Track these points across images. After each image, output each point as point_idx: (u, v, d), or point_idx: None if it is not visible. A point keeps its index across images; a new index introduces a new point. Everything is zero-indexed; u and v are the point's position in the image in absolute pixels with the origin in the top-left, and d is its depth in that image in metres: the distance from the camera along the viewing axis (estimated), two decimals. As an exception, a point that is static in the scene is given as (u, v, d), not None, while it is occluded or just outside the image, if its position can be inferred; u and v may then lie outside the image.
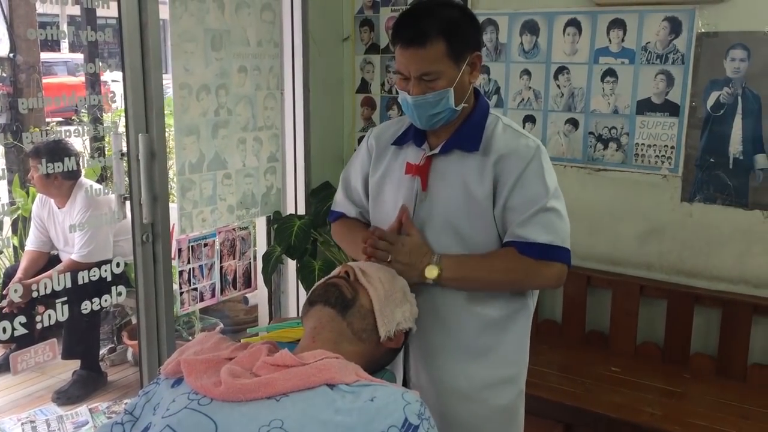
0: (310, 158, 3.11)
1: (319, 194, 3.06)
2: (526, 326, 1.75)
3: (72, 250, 3.35)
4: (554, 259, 1.64)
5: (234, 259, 3.46)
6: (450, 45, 1.54)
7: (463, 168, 1.64)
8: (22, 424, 3.20)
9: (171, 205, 2.54)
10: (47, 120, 4.68)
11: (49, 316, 2.30)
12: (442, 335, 1.67)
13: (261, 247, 3.20)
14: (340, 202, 1.90)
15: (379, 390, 1.21)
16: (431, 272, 1.59)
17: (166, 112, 2.44)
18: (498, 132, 1.66)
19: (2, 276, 3.85)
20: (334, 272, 1.58)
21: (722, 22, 2.41)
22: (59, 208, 3.42)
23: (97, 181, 4.03)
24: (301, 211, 3.12)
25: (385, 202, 1.75)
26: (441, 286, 1.62)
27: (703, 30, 2.44)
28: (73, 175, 3.29)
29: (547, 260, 1.63)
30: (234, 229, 3.57)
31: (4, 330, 2.21)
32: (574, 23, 2.67)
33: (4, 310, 2.57)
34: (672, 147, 2.55)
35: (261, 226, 3.20)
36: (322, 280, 1.55)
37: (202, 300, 2.90)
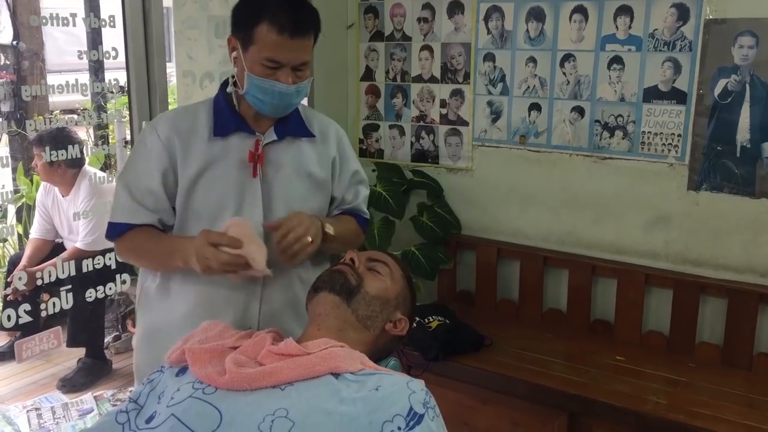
0: (314, 146, 3.10)
1: (324, 182, 3.05)
2: None
3: (76, 238, 3.35)
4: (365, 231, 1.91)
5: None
6: (315, 35, 1.65)
7: (299, 153, 1.73)
8: (27, 411, 3.21)
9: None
10: (50, 108, 4.67)
11: (54, 303, 2.31)
12: (296, 323, 1.69)
13: (265, 235, 3.20)
14: (125, 210, 1.66)
15: (384, 379, 1.21)
16: (329, 228, 1.67)
17: (169, 99, 2.43)
18: (309, 114, 1.79)
19: (7, 264, 3.86)
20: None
21: (730, 8, 2.38)
22: (63, 196, 3.42)
23: (101, 169, 4.03)
24: (306, 199, 3.11)
25: (210, 194, 1.65)
26: (328, 243, 1.68)
27: (710, 17, 2.42)
28: (77, 163, 3.29)
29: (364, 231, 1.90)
30: (238, 218, 3.56)
31: (9, 318, 2.21)
32: (580, 10, 2.64)
33: (8, 298, 2.58)
34: (679, 135, 2.53)
35: (265, 214, 3.19)
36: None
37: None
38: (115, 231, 1.67)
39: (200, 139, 1.66)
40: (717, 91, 2.44)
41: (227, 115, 1.67)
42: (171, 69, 2.63)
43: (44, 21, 2.25)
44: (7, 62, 3.51)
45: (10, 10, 3.26)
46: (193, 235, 1.60)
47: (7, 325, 2.23)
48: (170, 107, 2.43)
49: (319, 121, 1.80)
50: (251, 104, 1.64)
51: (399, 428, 1.14)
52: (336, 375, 1.22)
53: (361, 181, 1.89)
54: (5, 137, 4.08)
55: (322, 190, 1.77)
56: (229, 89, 1.67)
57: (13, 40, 3.40)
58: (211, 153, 1.65)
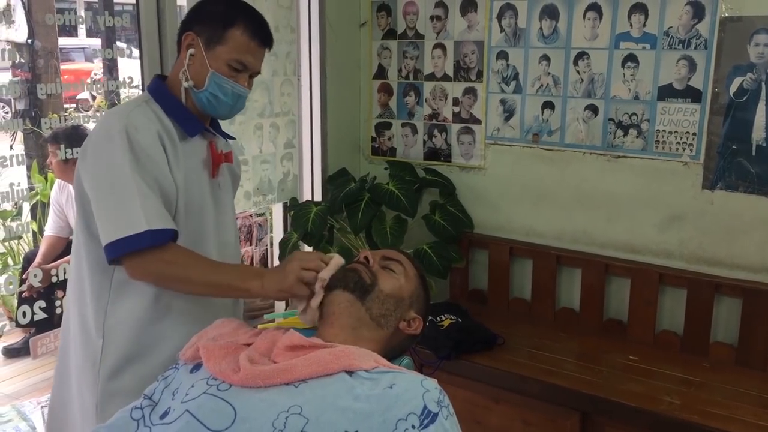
0: (326, 144, 3.10)
1: (336, 180, 3.05)
2: None
3: (90, 236, 3.36)
4: None
5: (251, 245, 3.47)
6: (271, 47, 1.72)
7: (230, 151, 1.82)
8: (42, 407, 3.24)
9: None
10: (65, 106, 4.70)
11: (69, 300, 2.32)
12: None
13: (278, 233, 3.21)
14: (162, 216, 1.49)
15: (398, 377, 1.21)
16: None
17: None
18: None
19: (22, 261, 3.89)
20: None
21: (746, 6, 2.36)
22: (78, 193, 3.44)
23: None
24: (318, 197, 3.12)
25: (194, 203, 1.64)
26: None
27: (726, 14, 2.40)
28: (91, 161, 3.30)
29: None
30: (251, 216, 3.58)
31: (24, 314, 2.23)
32: (594, 7, 2.63)
33: (24, 295, 2.59)
34: (693, 134, 2.51)
35: (278, 212, 3.20)
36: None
37: (219, 286, 2.90)
38: (156, 238, 1.46)
39: (174, 140, 1.62)
40: (732, 89, 2.42)
41: (188, 115, 1.66)
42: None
43: (59, 20, 2.26)
44: (22, 60, 3.53)
45: (25, 9, 3.28)
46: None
47: (23, 321, 2.24)
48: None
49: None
50: (202, 103, 1.65)
51: (413, 426, 1.14)
52: (350, 372, 1.22)
53: None
54: (20, 135, 4.11)
55: (235, 187, 1.92)
56: (187, 84, 1.65)
57: (28, 38, 3.42)
58: (186, 155, 1.64)
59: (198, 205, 1.66)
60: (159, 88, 1.67)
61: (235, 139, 1.90)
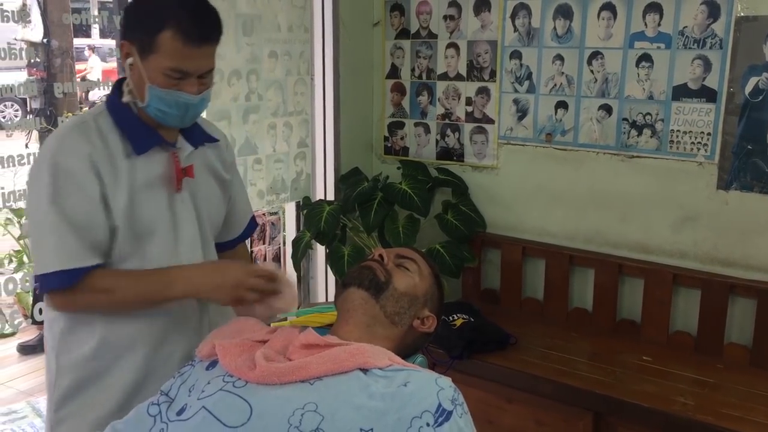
0: (339, 144, 3.11)
1: (349, 180, 3.06)
2: None
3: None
4: None
5: (264, 243, 3.48)
6: (219, 38, 1.50)
7: (207, 159, 1.66)
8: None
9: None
10: (80, 105, 4.73)
11: (84, 298, 2.34)
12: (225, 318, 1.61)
13: (290, 232, 3.22)
14: (75, 254, 1.43)
15: (412, 375, 1.22)
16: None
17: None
18: (200, 120, 1.68)
19: (36, 258, 3.91)
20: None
21: (762, 5, 2.35)
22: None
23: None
24: (331, 196, 3.13)
25: (144, 219, 1.52)
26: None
27: (742, 14, 2.38)
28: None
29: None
30: (264, 214, 3.59)
31: (40, 311, 2.25)
32: (609, 7, 2.62)
33: (38, 292, 2.62)
34: (708, 134, 2.50)
35: (290, 211, 3.21)
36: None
37: (232, 284, 2.91)
38: (67, 279, 1.42)
39: (119, 159, 1.49)
40: (748, 89, 2.41)
41: (141, 129, 1.52)
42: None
43: (75, 19, 2.28)
44: (38, 60, 3.56)
45: (41, 8, 3.31)
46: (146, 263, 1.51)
47: (38, 318, 2.26)
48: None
49: (209, 126, 1.73)
50: (152, 116, 1.50)
51: (427, 424, 1.14)
52: (364, 370, 1.22)
53: (242, 180, 1.89)
54: (35, 134, 4.14)
55: (226, 195, 1.73)
56: (126, 99, 1.51)
57: (43, 37, 3.44)
58: (134, 173, 1.50)
59: (149, 226, 1.52)
60: (113, 99, 1.53)
61: (218, 141, 1.71)
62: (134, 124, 1.51)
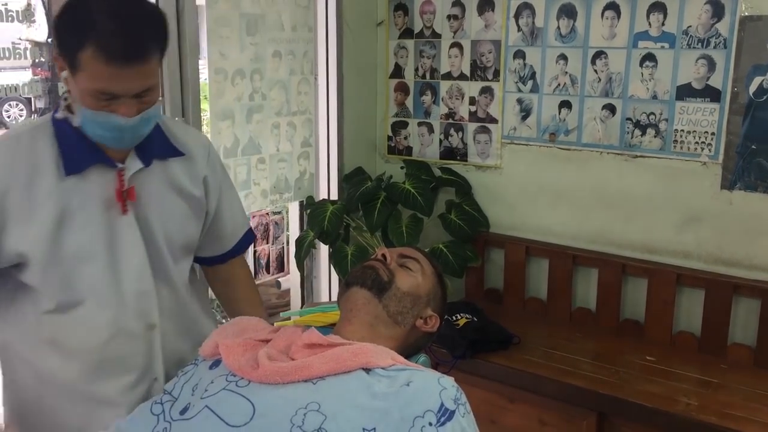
0: (343, 143, 3.11)
1: (352, 179, 3.06)
2: None
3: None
4: None
5: (267, 243, 3.49)
6: (161, 51, 1.34)
7: (168, 176, 1.50)
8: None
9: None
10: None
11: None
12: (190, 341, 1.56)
13: (294, 231, 3.22)
14: None
15: (415, 375, 1.22)
16: None
17: (201, 96, 2.45)
18: (174, 128, 1.55)
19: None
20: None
21: (766, 5, 2.34)
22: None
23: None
24: (334, 196, 3.13)
25: (70, 247, 1.37)
26: None
27: (746, 13, 2.38)
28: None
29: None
30: (267, 214, 3.60)
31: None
32: (612, 6, 2.62)
33: None
34: (712, 133, 2.49)
35: (294, 210, 3.22)
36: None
37: (235, 283, 2.92)
38: None
39: (49, 179, 1.34)
40: (752, 89, 2.40)
41: (78, 145, 1.35)
42: (203, 66, 2.66)
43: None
44: (42, 59, 3.57)
45: (45, 8, 3.31)
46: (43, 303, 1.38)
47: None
48: (201, 104, 2.45)
49: (184, 136, 1.56)
50: (90, 138, 1.35)
51: (430, 424, 1.14)
52: (367, 370, 1.22)
53: (236, 192, 1.76)
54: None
55: (198, 211, 1.57)
56: (60, 114, 1.37)
57: (48, 37, 3.45)
58: (65, 196, 1.35)
59: (78, 252, 1.37)
60: (57, 111, 1.40)
61: (184, 155, 1.53)
62: (73, 141, 1.35)
